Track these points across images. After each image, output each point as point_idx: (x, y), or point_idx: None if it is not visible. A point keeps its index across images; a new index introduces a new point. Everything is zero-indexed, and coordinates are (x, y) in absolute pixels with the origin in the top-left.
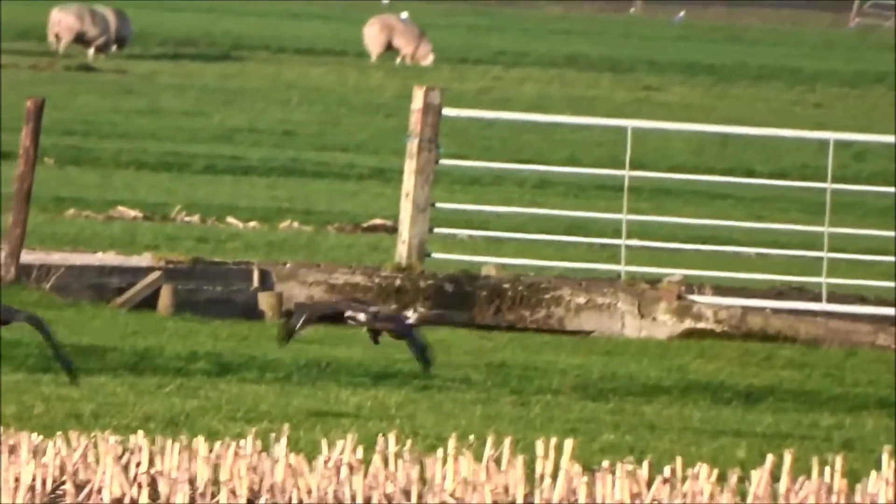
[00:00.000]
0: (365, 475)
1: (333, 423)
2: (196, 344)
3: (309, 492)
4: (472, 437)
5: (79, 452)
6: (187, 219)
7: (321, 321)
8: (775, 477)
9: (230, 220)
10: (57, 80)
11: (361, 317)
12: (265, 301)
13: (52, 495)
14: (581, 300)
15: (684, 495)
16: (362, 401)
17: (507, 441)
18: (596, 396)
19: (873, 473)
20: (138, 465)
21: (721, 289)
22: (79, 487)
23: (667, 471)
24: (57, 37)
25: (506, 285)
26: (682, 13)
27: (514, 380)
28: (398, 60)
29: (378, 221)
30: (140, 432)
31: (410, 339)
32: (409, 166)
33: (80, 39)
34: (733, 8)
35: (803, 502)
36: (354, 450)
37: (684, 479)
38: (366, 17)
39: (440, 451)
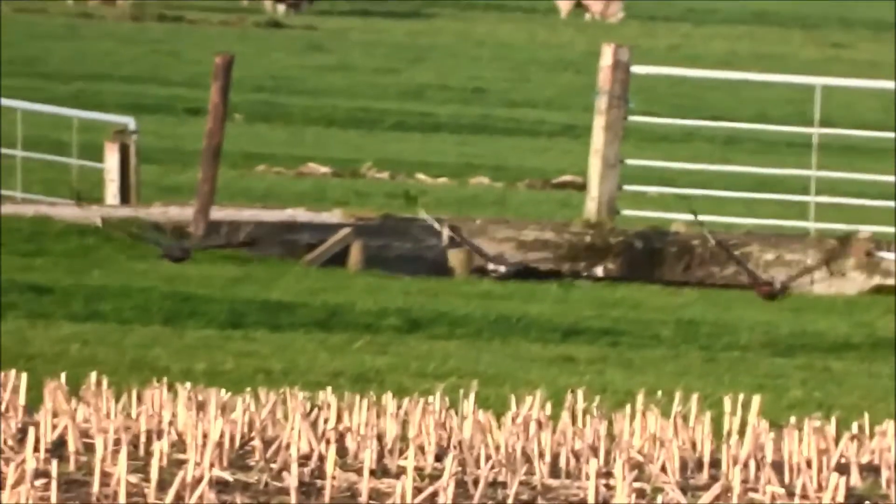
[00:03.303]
0: (553, 431)
1: (522, 380)
2: (385, 300)
3: (497, 448)
4: (659, 393)
5: (267, 409)
6: (377, 175)
7: None
8: None
9: (420, 176)
10: (246, 36)
11: None
12: (455, 258)
13: (241, 451)
14: (770, 256)
15: (872, 452)
16: (552, 357)
17: (695, 397)
18: (784, 352)
19: None
20: (326, 421)
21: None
22: (267, 444)
23: (854, 427)
24: None
25: (695, 242)
26: None
27: (703, 336)
28: (587, 17)
29: (568, 178)
30: (329, 388)
31: None
32: (599, 123)
33: None
34: None
35: None
36: (543, 406)
37: (872, 435)
38: None
39: (628, 408)
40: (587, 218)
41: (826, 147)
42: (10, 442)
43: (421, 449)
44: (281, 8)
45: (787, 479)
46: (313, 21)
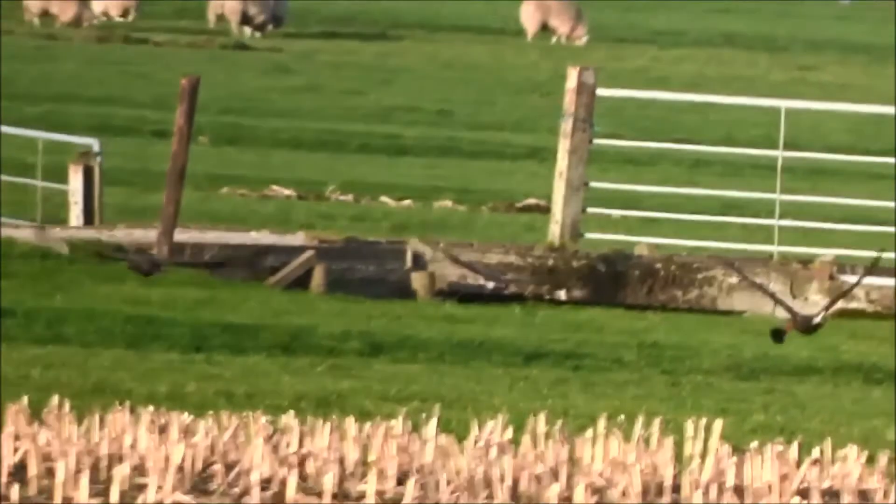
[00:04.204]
0: (515, 455)
1: (485, 403)
2: (349, 323)
3: (458, 472)
4: (622, 417)
5: (229, 432)
6: (342, 198)
7: None
8: None
9: (384, 199)
10: (213, 58)
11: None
12: (418, 281)
13: (202, 475)
14: (733, 280)
15: (834, 477)
16: (514, 381)
17: (657, 421)
18: (747, 376)
19: None
20: (288, 445)
21: (874, 269)
22: (228, 468)
23: (816, 452)
24: (220, 18)
25: (658, 265)
26: None
27: (666, 360)
28: (554, 39)
29: (532, 201)
30: (291, 412)
31: None
32: (564, 146)
33: (244, 19)
34: None
35: None
36: (504, 430)
37: (834, 460)
38: None
39: (590, 431)
40: (551, 241)
41: (792, 170)
42: None
43: (382, 473)
44: (248, 30)
45: None
46: (280, 43)
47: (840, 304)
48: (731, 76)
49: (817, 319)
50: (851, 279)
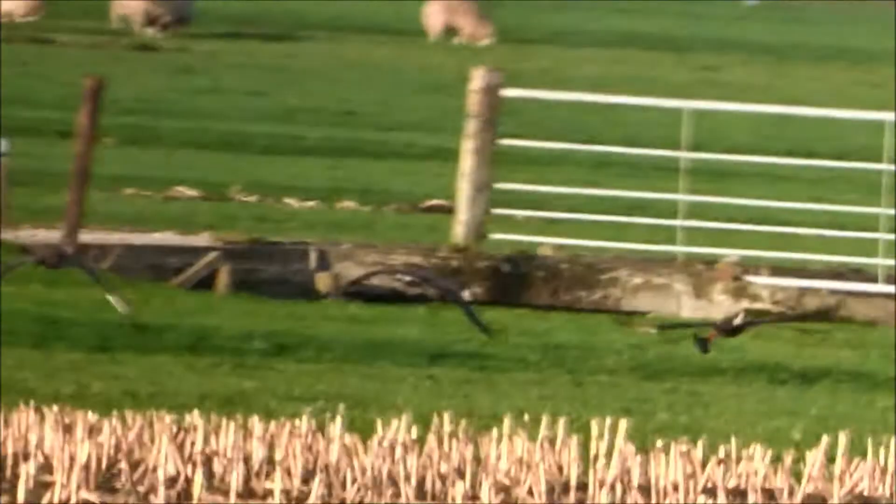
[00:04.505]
0: (419, 454)
1: (389, 403)
2: (253, 324)
3: (364, 471)
4: (526, 416)
5: (134, 431)
6: (246, 198)
7: None
8: (830, 458)
9: (288, 200)
10: (117, 59)
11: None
12: (322, 281)
13: (108, 474)
14: (637, 281)
15: (739, 476)
16: (418, 380)
17: (562, 421)
18: (651, 377)
19: None
20: (193, 444)
21: (778, 269)
22: (134, 466)
23: (721, 451)
24: (123, 18)
25: (563, 266)
26: None
27: (570, 360)
28: (457, 40)
29: (436, 202)
30: (196, 411)
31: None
32: (468, 147)
33: (148, 20)
34: None
35: (858, 484)
36: (409, 429)
37: (739, 459)
38: None
39: (495, 431)
40: (455, 242)
41: (696, 171)
42: None
43: (287, 472)
44: (152, 31)
45: (654, 503)
46: (184, 44)
47: (744, 306)
48: (634, 77)
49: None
50: (756, 280)
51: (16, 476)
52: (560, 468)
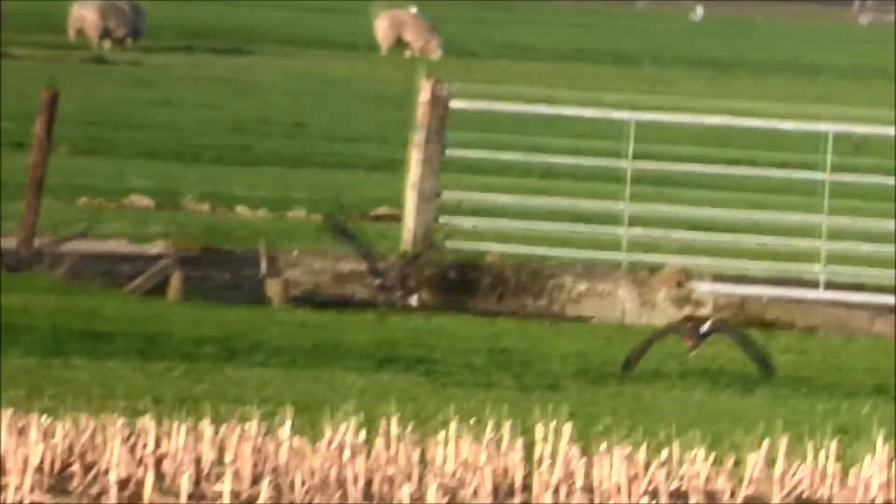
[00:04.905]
0: (367, 457)
1: (337, 407)
2: (204, 329)
3: (312, 473)
4: (472, 420)
5: (87, 434)
6: (198, 207)
7: None
8: (771, 461)
9: (239, 208)
10: (73, 72)
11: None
12: (272, 288)
13: (60, 476)
14: (582, 287)
15: (681, 478)
16: (366, 385)
17: (508, 424)
18: (596, 381)
19: (867, 458)
20: (145, 446)
21: (720, 276)
22: (86, 468)
23: (664, 454)
24: (79, 32)
25: (509, 273)
26: (699, 9)
27: (516, 365)
28: (407, 53)
29: (385, 210)
30: (147, 415)
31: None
32: (416, 157)
33: (104, 33)
34: (739, 3)
35: (798, 485)
36: (357, 432)
37: (681, 462)
38: (377, 11)
39: (441, 434)
40: (404, 249)
41: (641, 180)
42: None
43: (237, 474)
44: (106, 44)
45: None
46: (138, 57)
47: (687, 312)
48: (580, 89)
49: (704, 329)
50: (699, 286)
51: None
52: (505, 470)
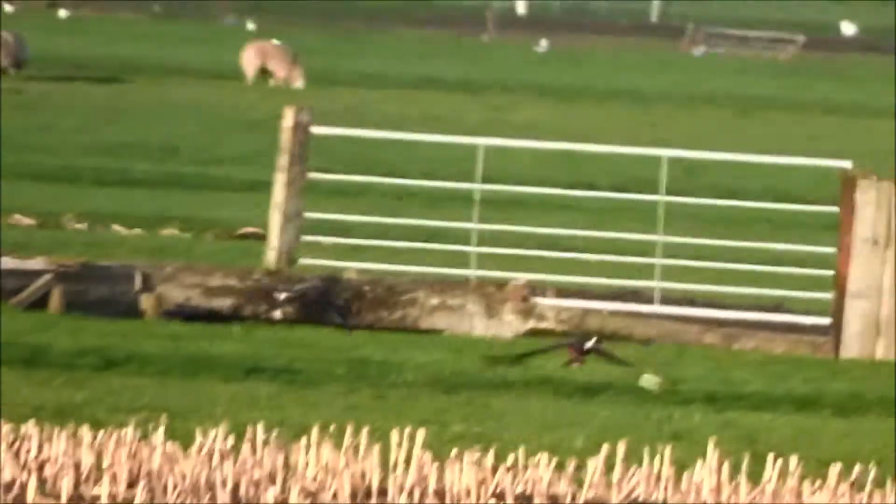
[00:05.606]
0: (235, 462)
1: (208, 414)
2: (84, 340)
3: (184, 477)
4: (333, 426)
5: None
6: (78, 226)
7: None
8: (609, 465)
9: (116, 227)
10: None
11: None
12: (147, 301)
13: None
14: (434, 302)
15: (525, 482)
16: (234, 393)
17: (365, 431)
18: (447, 390)
19: (699, 463)
20: (28, 452)
21: (563, 291)
22: None
23: (510, 459)
24: None
25: (366, 288)
26: (543, 41)
27: (373, 374)
28: (272, 82)
29: (250, 229)
30: (31, 422)
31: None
32: (280, 179)
33: None
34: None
35: (635, 489)
36: (226, 439)
37: (526, 467)
38: (242, 43)
39: (304, 440)
40: (268, 266)
41: (489, 202)
42: None
43: (114, 478)
44: None
45: None
46: (21, 86)
47: (531, 325)
48: (432, 115)
49: (589, 345)
50: (542, 301)
51: None
52: (363, 474)
